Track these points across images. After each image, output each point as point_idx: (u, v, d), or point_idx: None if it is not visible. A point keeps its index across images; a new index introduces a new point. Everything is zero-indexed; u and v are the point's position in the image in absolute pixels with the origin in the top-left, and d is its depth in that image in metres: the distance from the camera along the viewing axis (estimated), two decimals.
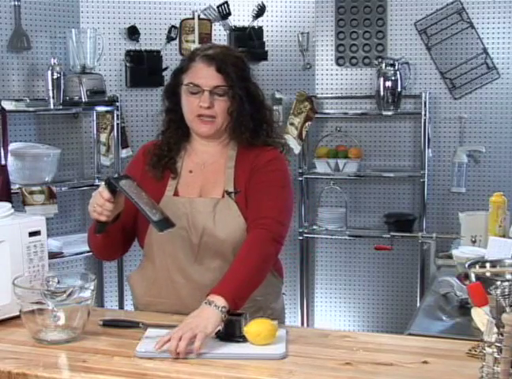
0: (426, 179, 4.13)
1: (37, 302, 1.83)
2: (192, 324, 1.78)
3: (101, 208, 1.93)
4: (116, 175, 1.96)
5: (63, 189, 3.72)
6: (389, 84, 4.12)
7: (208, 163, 2.18)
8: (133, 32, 3.95)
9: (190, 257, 2.09)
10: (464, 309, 2.37)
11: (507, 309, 1.52)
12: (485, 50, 4.12)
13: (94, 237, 2.07)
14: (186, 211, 2.10)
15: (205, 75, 2.08)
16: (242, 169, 2.14)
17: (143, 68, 3.96)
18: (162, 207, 2.06)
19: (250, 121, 2.13)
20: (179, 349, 1.72)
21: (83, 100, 3.68)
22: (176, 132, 2.19)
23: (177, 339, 1.73)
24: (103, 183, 1.95)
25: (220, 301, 1.84)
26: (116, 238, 2.11)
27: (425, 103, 4.10)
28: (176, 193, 2.14)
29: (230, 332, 1.81)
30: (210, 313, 1.82)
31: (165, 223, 1.89)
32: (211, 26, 4.10)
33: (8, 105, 3.43)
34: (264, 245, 2.02)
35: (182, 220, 2.08)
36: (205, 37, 4.07)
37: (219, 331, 1.82)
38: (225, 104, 2.10)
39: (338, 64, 4.38)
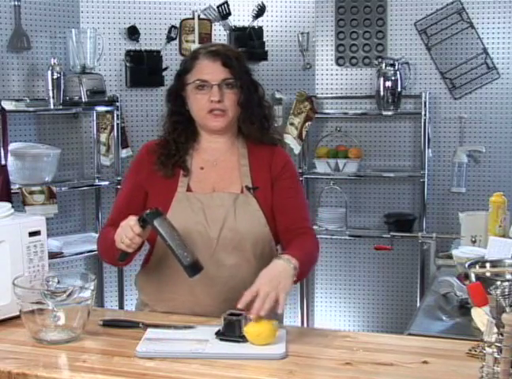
0: (426, 179, 4.13)
1: (37, 302, 1.83)
2: (273, 283, 1.85)
3: (130, 242, 1.93)
4: (148, 211, 1.94)
5: (63, 189, 3.72)
6: (389, 84, 4.12)
7: (219, 160, 2.19)
8: (133, 32, 3.95)
9: (207, 251, 2.08)
10: (464, 309, 2.37)
11: (507, 309, 1.52)
12: (485, 50, 4.12)
13: (112, 257, 2.06)
14: (202, 206, 2.11)
15: (211, 70, 2.10)
16: (258, 166, 2.17)
17: (143, 68, 3.96)
18: (176, 203, 2.10)
19: (259, 110, 2.17)
20: (264, 311, 1.80)
21: (83, 100, 3.69)
22: (185, 132, 2.19)
23: (263, 298, 1.81)
24: (133, 217, 1.94)
25: (293, 260, 1.92)
26: (134, 255, 2.12)
27: (425, 103, 4.10)
28: (189, 189, 2.15)
29: (230, 332, 1.81)
30: (287, 271, 1.89)
31: (196, 268, 1.90)
32: (211, 26, 4.10)
33: (8, 105, 3.43)
34: (313, 246, 2.14)
35: (199, 215, 2.10)
36: (205, 37, 4.07)
37: (219, 331, 1.83)
38: (235, 96, 2.12)
39: (338, 64, 4.38)
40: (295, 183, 2.22)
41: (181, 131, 2.19)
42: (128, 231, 1.92)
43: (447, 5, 4.14)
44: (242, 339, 1.79)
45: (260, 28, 4.17)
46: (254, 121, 2.17)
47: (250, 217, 2.11)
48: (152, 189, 2.17)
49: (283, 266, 1.90)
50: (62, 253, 3.63)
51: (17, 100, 3.58)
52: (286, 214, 2.15)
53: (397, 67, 4.13)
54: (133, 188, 2.19)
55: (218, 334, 1.82)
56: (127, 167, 2.36)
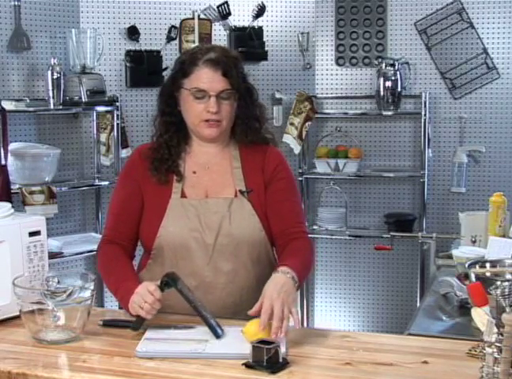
0: (426, 179, 4.13)
1: (37, 302, 1.83)
2: (282, 298, 1.81)
3: (150, 307, 1.88)
4: (168, 275, 1.92)
5: (63, 189, 3.72)
6: (389, 84, 4.12)
7: (211, 164, 2.17)
8: (133, 32, 3.95)
9: (204, 258, 2.07)
10: (464, 309, 2.37)
11: (507, 309, 1.53)
12: (485, 50, 4.12)
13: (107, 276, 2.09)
14: (198, 212, 2.09)
15: (210, 80, 2.07)
16: (251, 168, 2.15)
17: (143, 68, 3.95)
18: (170, 209, 2.08)
19: (255, 122, 2.15)
20: (284, 331, 1.77)
21: (83, 100, 3.68)
22: (176, 134, 2.17)
23: (279, 317, 1.77)
24: (150, 283, 1.91)
25: (293, 273, 1.90)
26: None
27: (425, 103, 4.10)
28: (183, 195, 2.13)
29: (256, 360, 1.68)
30: (289, 284, 1.87)
31: (220, 326, 1.87)
32: (211, 26, 4.10)
33: (8, 105, 3.43)
34: (308, 251, 2.11)
35: (194, 222, 2.08)
36: (205, 37, 4.07)
37: (248, 361, 1.70)
38: (231, 108, 2.10)
39: (338, 64, 4.38)
40: (288, 184, 2.18)
41: (173, 133, 2.16)
42: (148, 297, 1.87)
43: (447, 5, 4.14)
44: (270, 367, 1.66)
45: (260, 28, 4.17)
46: (249, 135, 2.16)
47: (246, 222, 2.09)
48: (146, 195, 2.14)
49: (283, 279, 1.88)
50: (62, 253, 3.62)
51: (17, 100, 3.57)
52: (280, 218, 2.13)
53: (397, 67, 4.13)
54: (129, 193, 2.16)
55: (247, 365, 1.69)
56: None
